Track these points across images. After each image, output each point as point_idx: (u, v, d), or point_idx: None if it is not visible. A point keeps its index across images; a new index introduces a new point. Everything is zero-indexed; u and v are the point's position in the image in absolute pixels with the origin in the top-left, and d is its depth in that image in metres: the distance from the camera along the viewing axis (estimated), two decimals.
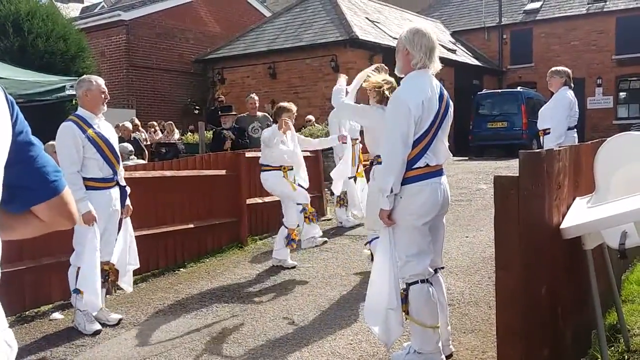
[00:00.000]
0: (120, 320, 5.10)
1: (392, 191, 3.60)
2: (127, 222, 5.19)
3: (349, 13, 19.86)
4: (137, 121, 14.17)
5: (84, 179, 4.75)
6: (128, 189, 5.15)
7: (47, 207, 1.41)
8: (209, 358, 4.26)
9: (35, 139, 1.41)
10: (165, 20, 20.87)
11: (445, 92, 3.82)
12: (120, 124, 11.33)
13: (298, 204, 6.43)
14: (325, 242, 6.63)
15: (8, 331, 1.27)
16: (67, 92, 9.96)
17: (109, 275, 5.07)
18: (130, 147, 9.72)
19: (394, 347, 4.07)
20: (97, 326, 4.89)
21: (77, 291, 4.85)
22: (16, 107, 1.37)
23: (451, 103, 3.84)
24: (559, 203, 3.21)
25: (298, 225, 6.50)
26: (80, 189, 4.65)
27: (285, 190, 6.48)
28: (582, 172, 3.85)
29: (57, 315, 5.31)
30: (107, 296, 5.35)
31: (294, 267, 6.53)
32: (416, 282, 3.72)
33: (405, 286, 3.75)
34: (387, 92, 4.94)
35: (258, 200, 8.21)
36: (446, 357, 3.89)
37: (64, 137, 4.74)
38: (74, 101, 10.54)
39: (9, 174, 1.33)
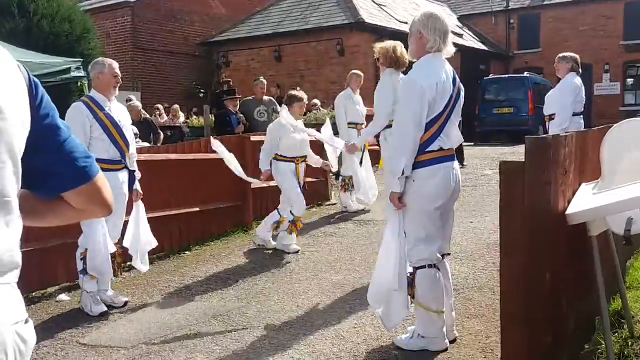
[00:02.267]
0: (126, 302, 5.14)
1: (403, 173, 3.59)
2: (139, 205, 5.26)
3: None
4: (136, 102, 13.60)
5: None
6: (138, 174, 5.18)
7: (77, 194, 1.36)
8: (214, 340, 4.30)
9: (62, 123, 1.35)
10: (170, 2, 20.77)
11: (457, 77, 3.81)
12: (127, 104, 11.07)
13: (291, 212, 6.47)
14: (297, 251, 6.54)
15: (27, 326, 1.22)
16: (72, 74, 9.93)
17: (115, 258, 5.10)
18: (134, 129, 9.61)
19: (397, 330, 4.10)
20: (103, 307, 4.93)
21: (84, 272, 4.89)
22: (41, 89, 1.31)
23: (462, 87, 3.84)
24: (564, 189, 3.21)
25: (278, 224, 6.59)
26: None
27: (289, 190, 6.49)
28: (588, 158, 3.84)
29: (63, 296, 5.35)
30: (113, 278, 5.38)
31: (273, 250, 6.60)
32: (423, 267, 3.73)
33: (412, 270, 3.76)
34: (398, 52, 5.62)
35: (263, 184, 8.20)
36: (450, 341, 3.92)
37: (72, 116, 4.79)
38: (79, 83, 10.54)
39: (36, 160, 1.29)
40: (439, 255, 3.78)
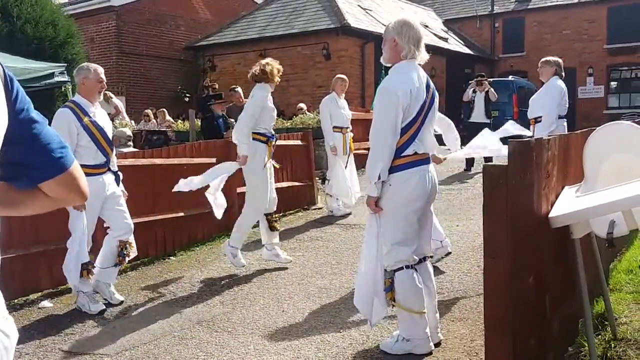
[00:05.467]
0: (122, 302, 5.23)
1: (379, 178, 3.67)
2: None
3: (341, 0, 19.75)
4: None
5: None
6: (120, 174, 5.26)
7: (54, 184, 1.39)
8: (199, 346, 4.26)
9: (38, 116, 1.38)
10: (155, 6, 20.67)
11: (432, 83, 3.91)
12: None
13: None
14: None
15: (8, 322, 1.28)
16: (56, 79, 9.86)
17: (127, 252, 5.25)
18: (128, 132, 9.49)
19: (383, 336, 4.09)
20: (101, 306, 5.03)
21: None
22: (16, 84, 1.34)
23: (437, 94, 3.94)
24: (547, 192, 3.22)
25: None
26: None
27: None
28: (571, 161, 3.85)
29: (46, 303, 5.29)
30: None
31: None
32: (401, 268, 3.77)
33: (390, 274, 3.81)
34: (263, 69, 5.76)
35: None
36: (435, 344, 3.92)
37: (59, 122, 4.83)
38: (62, 88, 10.46)
39: (13, 153, 1.32)
40: (415, 257, 3.82)
